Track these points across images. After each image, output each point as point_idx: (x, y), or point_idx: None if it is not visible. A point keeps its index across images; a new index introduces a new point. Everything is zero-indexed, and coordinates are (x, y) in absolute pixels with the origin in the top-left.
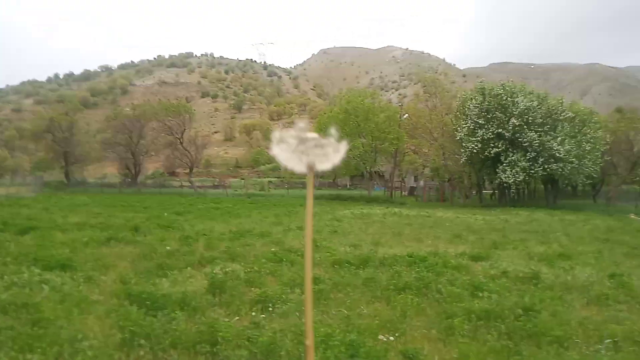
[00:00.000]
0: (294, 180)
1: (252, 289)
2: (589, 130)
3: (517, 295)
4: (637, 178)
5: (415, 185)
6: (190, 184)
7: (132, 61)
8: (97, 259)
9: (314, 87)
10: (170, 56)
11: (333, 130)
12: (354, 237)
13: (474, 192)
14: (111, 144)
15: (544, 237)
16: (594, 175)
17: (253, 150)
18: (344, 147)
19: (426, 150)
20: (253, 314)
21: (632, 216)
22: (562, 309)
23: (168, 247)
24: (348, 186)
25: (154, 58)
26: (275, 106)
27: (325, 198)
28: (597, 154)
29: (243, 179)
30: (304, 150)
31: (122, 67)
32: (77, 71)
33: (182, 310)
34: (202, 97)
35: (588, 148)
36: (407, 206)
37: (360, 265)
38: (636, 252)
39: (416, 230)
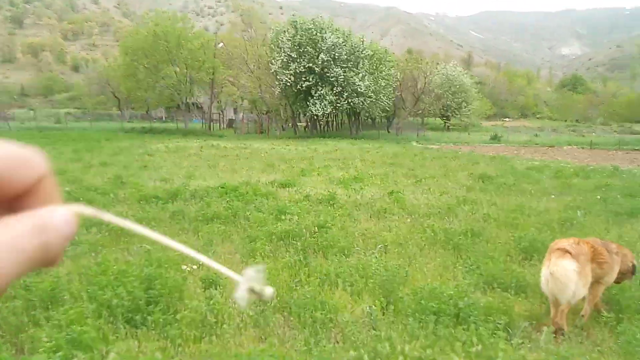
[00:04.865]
0: (99, 112)
1: None
2: (384, 68)
3: (315, 215)
4: (420, 111)
5: (234, 118)
6: None
7: None
8: None
9: (118, 4)
10: None
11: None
12: (165, 171)
13: (289, 124)
14: None
15: (344, 164)
16: (388, 109)
17: (43, 75)
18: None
19: (244, 82)
20: None
21: (414, 143)
22: (350, 224)
23: None
24: (163, 118)
25: None
26: (69, 23)
27: (136, 131)
28: (390, 89)
29: (32, 109)
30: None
31: None
32: None
33: None
34: None
35: (383, 84)
36: (225, 138)
37: (169, 200)
38: (411, 172)
39: (232, 162)
